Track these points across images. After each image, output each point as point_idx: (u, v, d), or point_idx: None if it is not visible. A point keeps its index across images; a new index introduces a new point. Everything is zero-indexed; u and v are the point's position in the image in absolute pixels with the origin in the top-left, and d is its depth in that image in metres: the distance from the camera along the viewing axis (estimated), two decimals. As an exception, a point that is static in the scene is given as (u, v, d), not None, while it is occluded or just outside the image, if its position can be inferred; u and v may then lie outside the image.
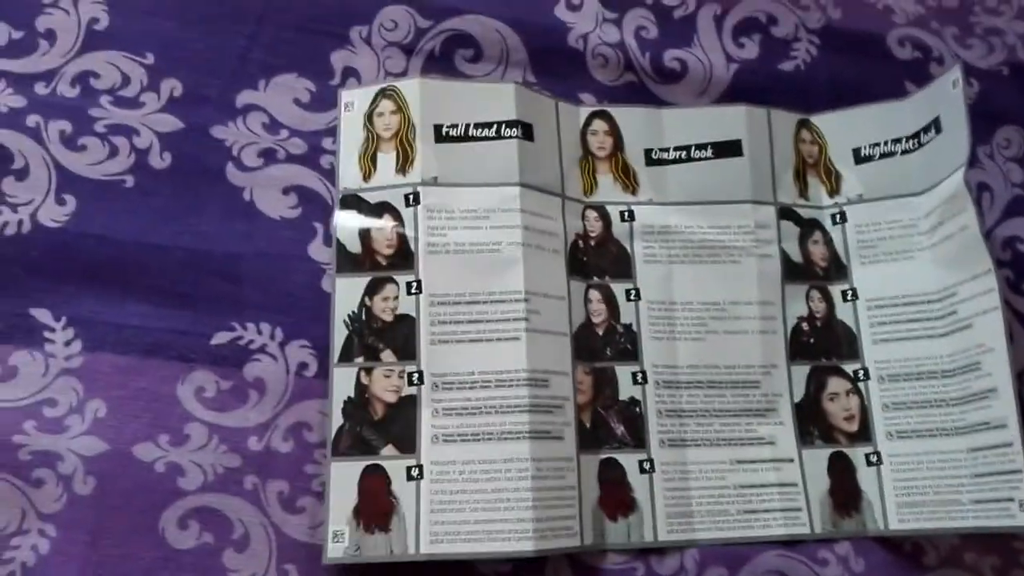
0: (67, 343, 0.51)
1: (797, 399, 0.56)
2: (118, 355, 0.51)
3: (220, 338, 0.52)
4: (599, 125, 0.60)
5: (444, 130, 0.56)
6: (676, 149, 0.60)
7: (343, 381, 0.52)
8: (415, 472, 0.50)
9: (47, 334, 0.51)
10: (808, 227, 0.60)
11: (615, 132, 0.60)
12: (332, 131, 0.57)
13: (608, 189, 0.59)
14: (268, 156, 0.56)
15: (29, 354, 0.50)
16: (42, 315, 0.51)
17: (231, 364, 0.52)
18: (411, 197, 0.55)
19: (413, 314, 0.53)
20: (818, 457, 0.55)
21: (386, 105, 0.57)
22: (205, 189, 0.55)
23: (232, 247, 0.54)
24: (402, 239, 0.54)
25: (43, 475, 0.48)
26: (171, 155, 0.55)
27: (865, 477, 0.55)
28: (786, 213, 0.60)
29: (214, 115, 0.56)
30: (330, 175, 0.56)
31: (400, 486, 0.50)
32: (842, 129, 0.62)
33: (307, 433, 0.52)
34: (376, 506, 0.50)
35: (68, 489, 0.48)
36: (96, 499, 0.48)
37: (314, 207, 0.56)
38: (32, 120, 0.54)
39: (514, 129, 0.56)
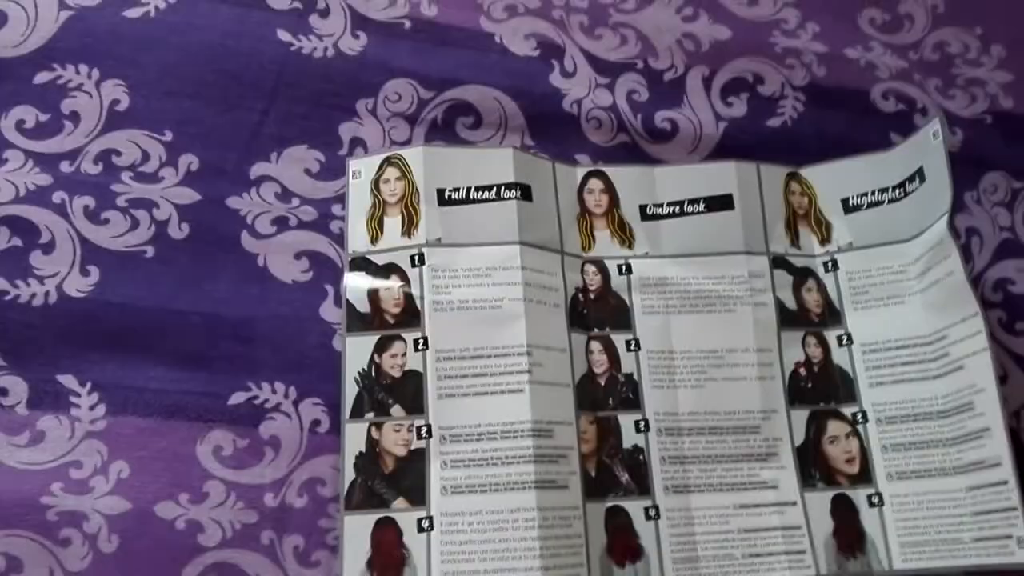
0: (92, 407, 0.53)
1: (798, 443, 0.57)
2: (140, 417, 0.53)
3: (236, 398, 0.54)
4: (595, 184, 0.62)
5: (447, 194, 0.58)
6: (670, 204, 0.62)
7: (355, 436, 0.53)
8: (426, 524, 0.51)
9: (73, 399, 0.53)
10: (801, 275, 0.61)
11: (610, 190, 0.62)
12: (341, 198, 0.60)
13: (605, 244, 0.61)
14: (281, 223, 0.59)
15: (56, 418, 0.52)
16: (68, 381, 0.53)
17: (247, 423, 0.54)
18: (416, 258, 0.57)
19: (420, 370, 0.55)
20: (821, 500, 0.56)
21: (391, 172, 0.59)
22: (221, 256, 0.57)
23: (247, 311, 0.56)
24: (408, 298, 0.56)
25: (69, 534, 0.50)
26: (189, 226, 0.58)
27: (868, 518, 0.56)
28: (779, 262, 0.61)
29: (229, 187, 0.59)
30: (340, 240, 0.59)
31: (411, 538, 0.51)
32: (830, 180, 0.63)
33: (321, 488, 0.53)
34: (389, 558, 0.51)
35: (93, 547, 0.50)
36: (120, 557, 0.50)
37: (325, 270, 0.58)
38: (58, 196, 0.57)
39: (513, 191, 0.58)
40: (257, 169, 0.60)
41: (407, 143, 0.62)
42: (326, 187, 0.60)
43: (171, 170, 0.59)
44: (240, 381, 0.55)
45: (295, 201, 0.59)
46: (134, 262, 0.56)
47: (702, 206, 0.62)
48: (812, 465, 0.57)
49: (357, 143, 0.62)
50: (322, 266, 0.58)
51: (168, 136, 0.59)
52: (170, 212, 0.58)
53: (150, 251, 0.57)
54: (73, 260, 0.55)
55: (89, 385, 0.53)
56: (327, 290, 0.58)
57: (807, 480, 0.57)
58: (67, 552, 0.50)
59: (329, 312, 0.57)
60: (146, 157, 0.59)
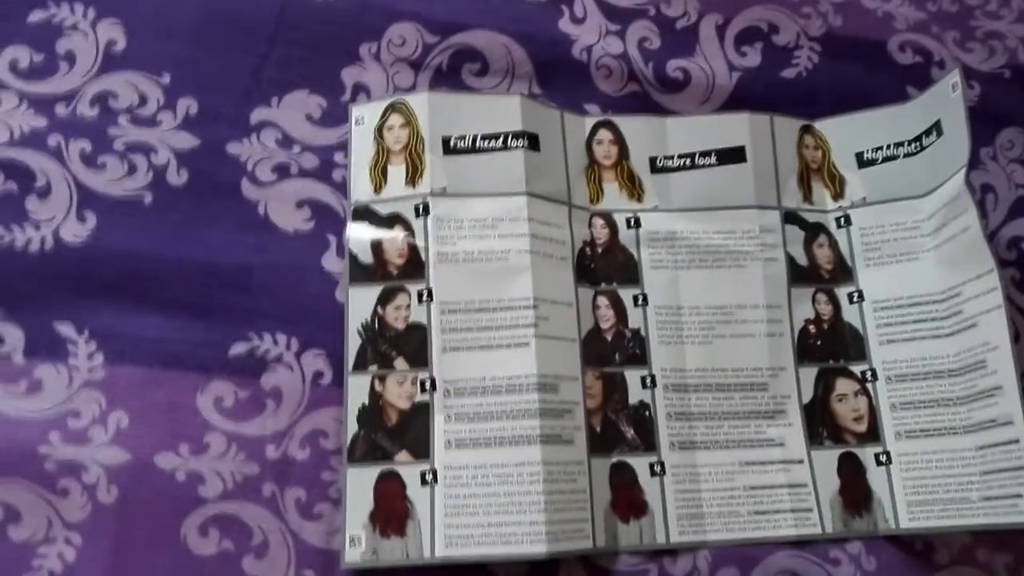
0: (90, 356, 0.52)
1: (806, 400, 0.57)
2: (139, 367, 0.52)
3: (237, 349, 0.54)
4: (604, 134, 0.61)
5: (452, 142, 0.57)
6: (680, 156, 0.61)
7: (357, 389, 0.53)
8: (429, 477, 0.51)
9: (70, 347, 0.52)
10: (813, 230, 0.60)
11: (620, 141, 0.61)
12: (343, 145, 0.58)
13: (614, 197, 0.60)
14: (282, 171, 0.57)
15: (53, 367, 0.52)
16: (66, 329, 0.52)
17: (248, 374, 0.53)
18: (421, 208, 0.56)
19: (425, 322, 0.54)
20: (828, 458, 0.56)
21: (395, 119, 0.58)
22: (221, 204, 0.56)
23: (248, 260, 0.55)
24: (413, 249, 0.55)
25: (68, 484, 0.50)
26: (188, 172, 0.56)
27: (875, 477, 0.56)
28: (791, 217, 0.60)
29: (229, 132, 0.57)
30: (342, 188, 0.57)
31: (415, 491, 0.51)
32: (845, 134, 0.62)
33: (323, 440, 0.53)
34: (392, 511, 0.51)
35: (92, 498, 0.50)
36: (119, 508, 0.50)
37: (327, 220, 0.57)
38: (53, 140, 0.55)
39: (520, 140, 0.57)
40: (257, 114, 0.58)
41: (411, 89, 0.60)
42: (328, 134, 0.59)
43: (169, 114, 0.57)
44: (240, 331, 0.54)
45: (296, 148, 0.58)
46: (132, 208, 0.55)
47: (714, 159, 0.60)
48: (820, 423, 0.57)
49: (360, 89, 0.60)
50: (324, 215, 0.57)
51: (166, 79, 0.58)
52: (168, 157, 0.57)
53: (148, 197, 0.56)
54: (69, 205, 0.54)
55: (86, 333, 0.52)
56: (329, 240, 0.57)
57: (814, 438, 0.56)
58: (66, 502, 0.49)
59: (331, 262, 0.56)
60: (143, 100, 0.57)
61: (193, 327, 0.53)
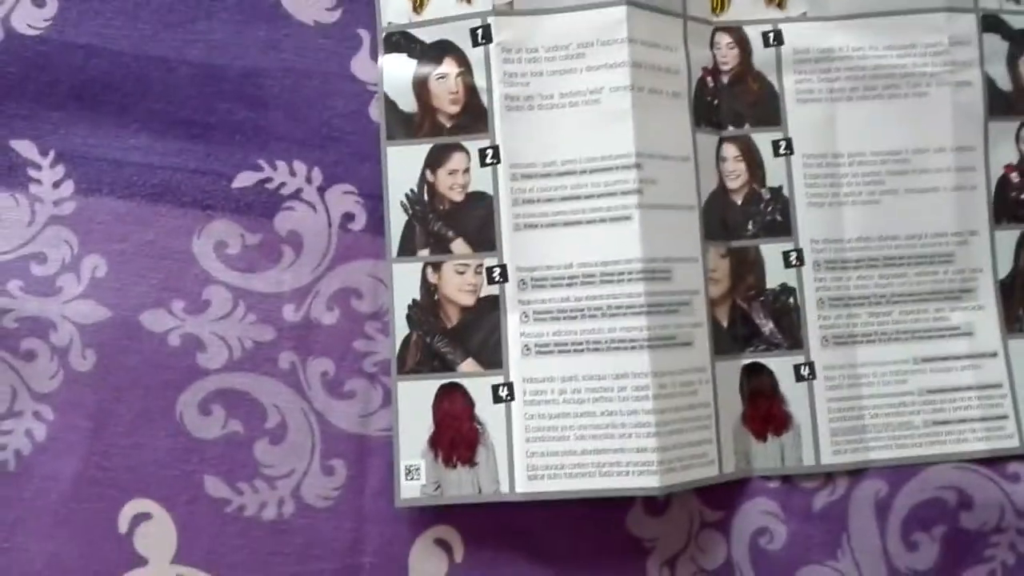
0: (56, 184, 0.52)
1: (1002, 275, 0.55)
2: (119, 199, 0.52)
3: (244, 180, 0.53)
4: None
5: None
6: None
7: (405, 280, 0.52)
8: (503, 392, 0.51)
9: (32, 172, 0.52)
10: (1019, 42, 0.57)
11: None
12: None
13: (746, 1, 0.57)
14: None
15: (12, 197, 0.51)
16: (25, 148, 0.52)
17: (258, 213, 0.52)
18: (480, 33, 0.53)
19: (490, 191, 0.52)
20: (1029, 349, 0.53)
21: None
22: None
23: (254, 61, 0.54)
24: (471, 91, 0.53)
25: (34, 346, 0.50)
26: None
27: (1094, 373, 0.53)
28: (991, 22, 0.57)
29: None
30: None
31: (486, 410, 0.51)
32: None
33: (356, 301, 0.52)
34: (457, 435, 0.51)
35: (64, 364, 0.50)
36: (98, 377, 0.50)
37: (358, 8, 0.54)
38: None
39: None
40: None
41: None
42: None
43: None
44: (247, 157, 0.53)
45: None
46: (108, -14, 0.52)
47: (886, -64, 0.56)
48: (1020, 304, 0.55)
49: None
50: (353, 2, 0.55)
51: None
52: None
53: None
54: (23, -17, 0.53)
55: (52, 155, 0.52)
56: (361, 37, 0.54)
57: (1012, 324, 0.55)
58: (32, 369, 0.50)
59: (364, 68, 0.54)
60: None
61: (186, 149, 0.53)
